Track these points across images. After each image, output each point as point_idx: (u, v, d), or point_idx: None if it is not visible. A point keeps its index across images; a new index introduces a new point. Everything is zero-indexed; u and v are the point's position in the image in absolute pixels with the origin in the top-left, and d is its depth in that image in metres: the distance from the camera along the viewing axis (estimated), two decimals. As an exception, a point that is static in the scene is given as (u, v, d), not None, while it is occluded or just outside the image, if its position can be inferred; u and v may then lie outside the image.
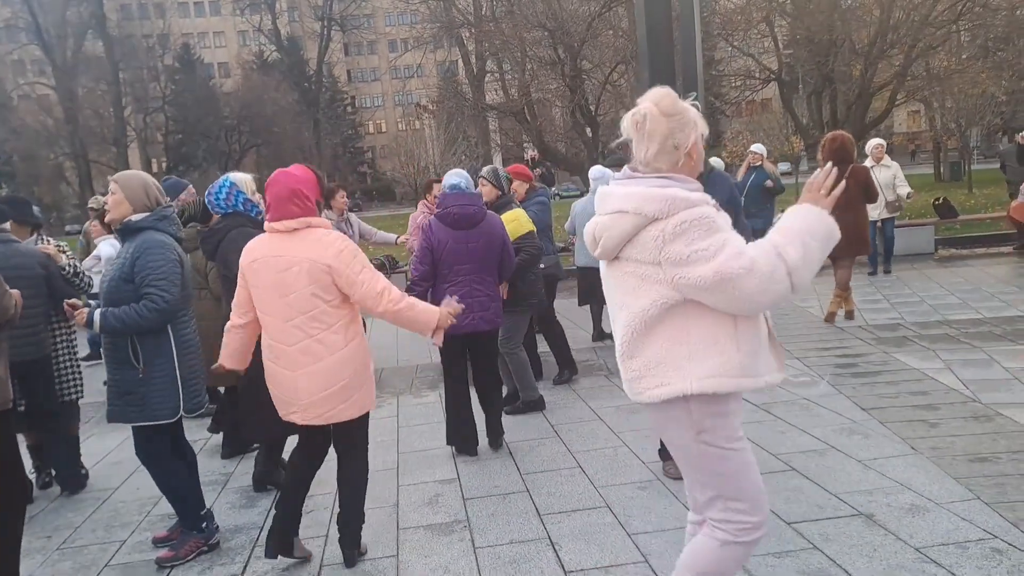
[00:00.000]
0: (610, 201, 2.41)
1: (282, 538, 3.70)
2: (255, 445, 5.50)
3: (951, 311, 8.04)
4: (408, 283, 5.15)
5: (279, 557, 3.72)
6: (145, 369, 3.76)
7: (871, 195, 7.78)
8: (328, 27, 49.34)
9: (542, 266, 6.49)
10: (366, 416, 3.66)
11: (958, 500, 3.81)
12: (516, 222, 5.52)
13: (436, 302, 4.79)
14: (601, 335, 7.97)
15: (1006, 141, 14.19)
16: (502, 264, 5.12)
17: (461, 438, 5.11)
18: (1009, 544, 3.34)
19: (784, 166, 29.02)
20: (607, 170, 7.66)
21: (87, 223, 7.03)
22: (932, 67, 22.85)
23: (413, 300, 3.53)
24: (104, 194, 4.45)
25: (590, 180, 7.46)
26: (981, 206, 17.48)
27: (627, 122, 2.40)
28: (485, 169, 6.27)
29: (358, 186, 52.65)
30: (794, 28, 21.28)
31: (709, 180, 4.26)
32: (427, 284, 4.93)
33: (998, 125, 28.21)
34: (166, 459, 3.99)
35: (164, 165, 47.18)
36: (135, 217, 3.81)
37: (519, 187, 6.83)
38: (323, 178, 3.65)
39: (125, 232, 3.84)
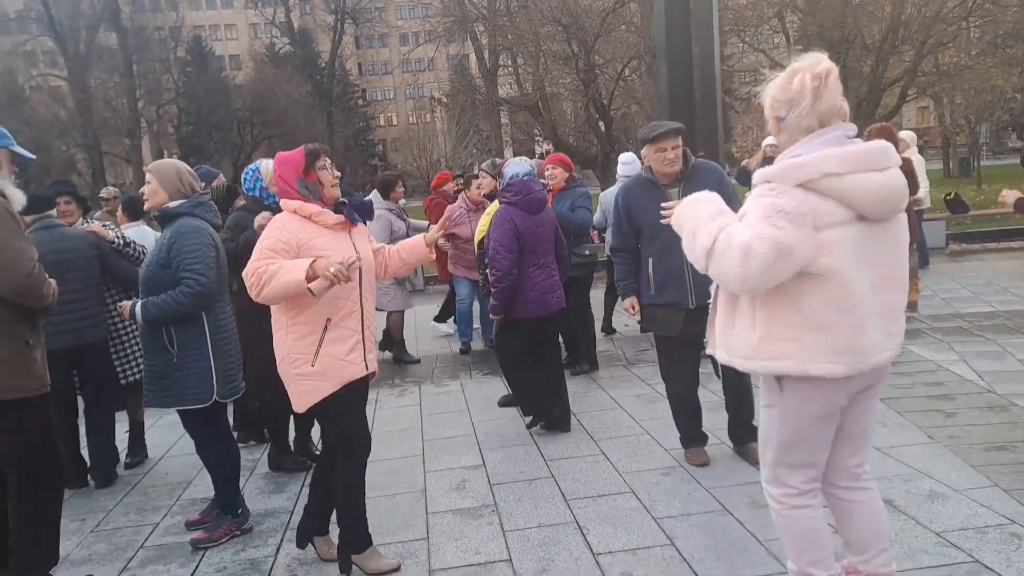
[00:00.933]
0: (891, 154, 2.52)
1: (303, 533, 3.77)
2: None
3: (963, 304, 8.10)
4: (489, 279, 5.17)
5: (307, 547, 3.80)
6: (179, 354, 3.84)
7: (913, 186, 7.86)
8: (341, 20, 49.37)
9: (587, 253, 6.57)
10: (335, 416, 3.46)
11: (976, 487, 3.89)
12: (490, 216, 5.57)
13: (522, 290, 5.02)
14: (610, 328, 8.02)
15: (1014, 138, 14.20)
16: (558, 246, 5.32)
17: (554, 415, 5.25)
18: (1027, 529, 3.43)
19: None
20: (636, 157, 7.73)
21: (96, 213, 7.13)
22: (942, 63, 22.81)
23: (272, 268, 3.17)
24: (116, 185, 4.58)
25: (620, 165, 7.45)
26: (991, 201, 17.45)
27: (809, 79, 2.43)
28: (485, 163, 6.40)
29: (369, 179, 52.78)
30: (805, 24, 21.28)
31: (693, 170, 4.35)
32: (515, 273, 5.01)
33: (1007, 121, 28.13)
34: (219, 439, 4.09)
35: (176, 157, 47.33)
36: (172, 204, 3.91)
37: (559, 175, 6.68)
38: (312, 153, 3.44)
39: (164, 219, 3.95)
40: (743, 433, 4.53)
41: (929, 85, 22.40)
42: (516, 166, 5.18)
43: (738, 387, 4.51)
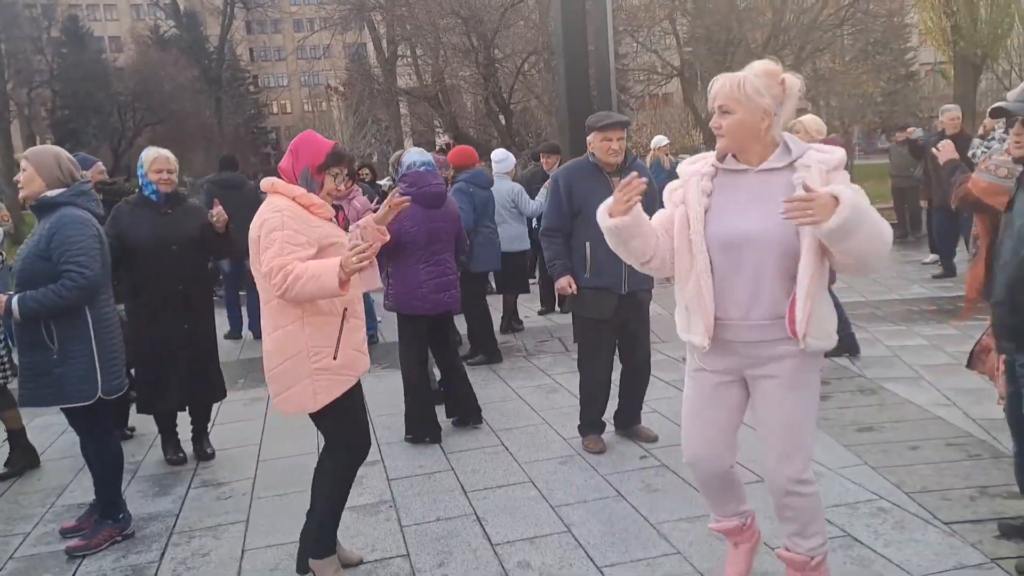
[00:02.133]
0: None
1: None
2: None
3: (839, 295, 8.56)
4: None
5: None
6: (60, 350, 3.66)
7: None
8: (231, 4, 47.59)
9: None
10: (336, 417, 3.26)
11: (848, 466, 4.17)
12: None
13: (410, 287, 4.92)
14: (511, 327, 8.00)
15: (884, 139, 15.21)
16: (459, 243, 5.27)
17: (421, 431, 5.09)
18: (893, 504, 3.70)
19: (685, 157, 29.97)
20: (510, 155, 7.85)
21: None
22: (819, 68, 24.14)
23: (304, 268, 2.97)
24: None
25: (493, 163, 7.57)
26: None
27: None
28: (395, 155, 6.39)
29: (261, 167, 51.24)
30: (694, 26, 22.08)
31: (632, 165, 4.50)
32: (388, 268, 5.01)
33: (877, 123, 30.05)
34: (100, 439, 3.92)
35: (50, 142, 44.61)
36: (51, 193, 3.72)
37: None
38: (337, 154, 3.26)
39: (41, 209, 3.74)
40: (632, 416, 4.78)
41: (807, 88, 23.61)
42: (413, 155, 5.13)
43: (645, 374, 4.77)
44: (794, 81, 2.69)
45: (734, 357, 2.78)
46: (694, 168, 2.84)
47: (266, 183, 3.23)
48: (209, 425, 5.21)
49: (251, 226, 3.17)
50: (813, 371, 2.77)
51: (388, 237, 3.57)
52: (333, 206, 3.43)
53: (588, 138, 4.53)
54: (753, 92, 2.62)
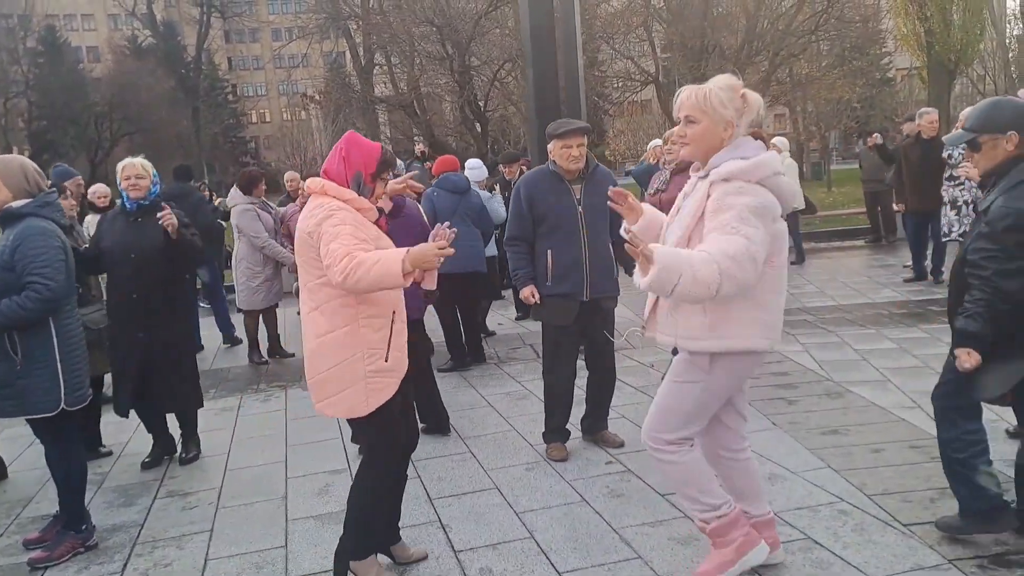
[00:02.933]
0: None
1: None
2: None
3: (809, 299, 8.69)
4: None
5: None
6: (23, 361, 3.66)
7: None
8: (207, 13, 47.36)
9: None
10: (379, 420, 3.17)
11: (811, 469, 4.19)
12: None
13: None
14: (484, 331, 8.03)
15: (861, 143, 15.34)
16: None
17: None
18: (854, 506, 3.72)
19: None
20: (481, 164, 7.91)
21: None
22: (795, 74, 24.40)
23: (366, 257, 2.87)
24: None
25: (467, 170, 7.61)
26: (840, 203, 18.76)
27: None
28: None
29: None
30: (669, 33, 22.26)
31: (593, 172, 4.53)
32: None
33: (854, 128, 30.40)
34: (65, 450, 3.90)
35: (27, 153, 44.17)
36: (15, 203, 3.71)
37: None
38: (387, 160, 3.26)
39: (5, 219, 3.72)
40: (597, 421, 4.78)
41: (782, 94, 23.88)
42: None
43: (609, 380, 4.77)
44: (755, 96, 2.90)
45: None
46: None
47: (314, 184, 3.17)
48: (178, 432, 5.20)
49: (302, 223, 3.11)
50: (702, 371, 2.95)
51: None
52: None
53: (548, 146, 4.54)
54: (718, 103, 2.82)
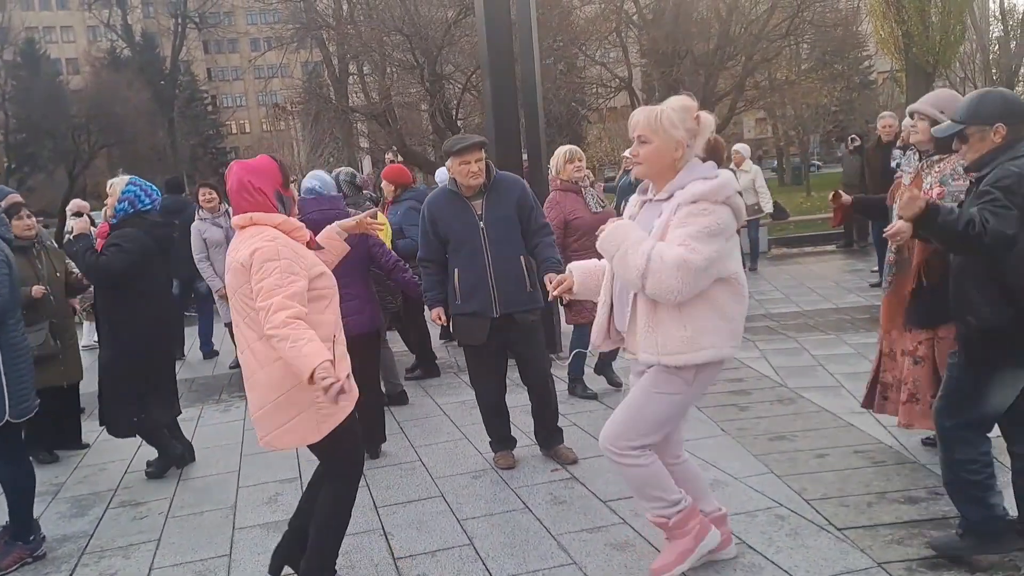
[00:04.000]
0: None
1: (288, 555, 3.44)
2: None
3: (774, 305, 8.74)
4: None
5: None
6: None
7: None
8: (183, 24, 47.23)
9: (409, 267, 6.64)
10: (335, 440, 3.12)
11: (754, 474, 4.23)
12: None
13: None
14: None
15: (842, 147, 15.44)
16: (379, 263, 4.96)
17: None
18: (791, 511, 3.76)
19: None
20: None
21: None
22: (774, 78, 24.57)
23: (300, 335, 2.83)
24: None
25: (437, 182, 7.66)
26: (817, 208, 18.90)
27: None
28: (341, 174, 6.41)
29: (220, 187, 50.66)
30: (641, 39, 22.40)
31: (496, 183, 4.48)
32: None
33: (833, 132, 30.65)
34: (11, 461, 3.91)
35: (9, 166, 43.89)
36: None
37: (386, 188, 7.03)
38: (284, 167, 3.29)
39: None
40: (549, 436, 4.72)
41: (757, 98, 24.05)
42: (303, 181, 5.11)
43: (543, 393, 4.67)
44: (708, 117, 3.01)
45: (633, 363, 3.20)
46: (635, 197, 3.23)
47: (242, 220, 3.11)
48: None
49: (234, 255, 3.06)
50: (685, 382, 3.03)
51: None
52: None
53: (447, 164, 4.51)
54: (669, 124, 2.92)
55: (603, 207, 5.89)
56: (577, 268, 3.36)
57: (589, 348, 3.34)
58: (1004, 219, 2.87)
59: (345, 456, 3.26)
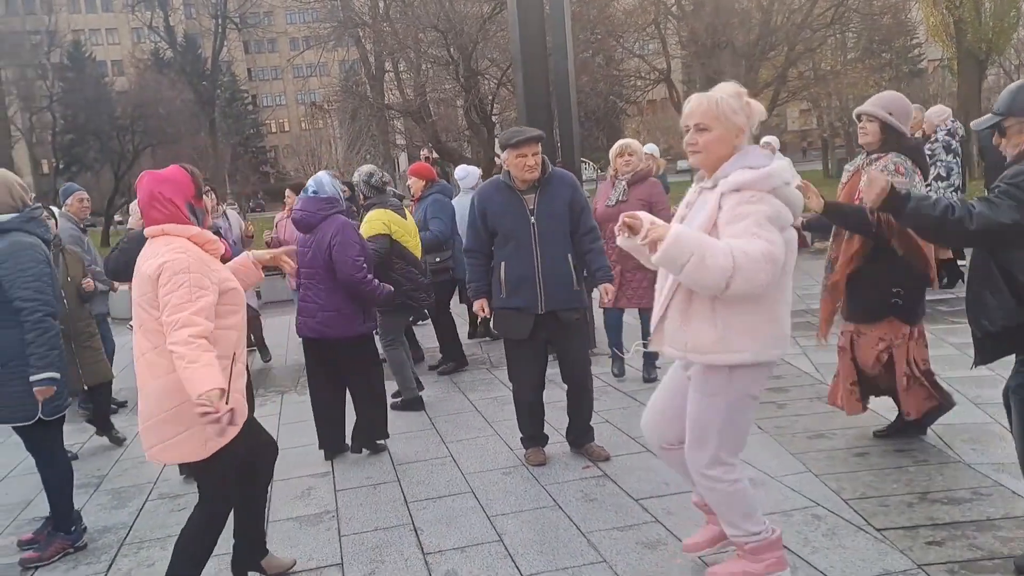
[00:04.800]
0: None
1: (244, 564, 3.49)
2: None
3: (815, 300, 8.44)
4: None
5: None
6: (2, 370, 3.72)
7: None
8: (223, 25, 47.94)
9: (438, 260, 6.69)
10: (214, 463, 3.07)
11: (791, 473, 4.14)
12: (367, 224, 5.57)
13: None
14: (488, 332, 8.02)
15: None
16: (334, 270, 4.73)
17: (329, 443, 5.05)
18: (828, 511, 3.67)
19: (683, 163, 30.01)
20: (471, 169, 7.92)
21: None
22: (818, 68, 24.09)
23: (199, 356, 2.81)
24: None
25: (457, 180, 7.65)
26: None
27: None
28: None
29: (260, 186, 51.45)
30: (680, 30, 22.15)
31: (549, 178, 4.41)
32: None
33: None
34: (48, 455, 3.98)
35: (58, 166, 45.07)
36: (1, 218, 3.77)
37: (413, 184, 7.04)
38: (196, 176, 3.27)
39: None
40: (581, 434, 4.66)
41: (800, 89, 23.62)
42: (311, 179, 5.07)
43: (581, 392, 4.62)
44: (758, 105, 2.94)
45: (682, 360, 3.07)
46: (694, 186, 3.11)
47: (154, 231, 3.10)
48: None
49: (143, 264, 3.06)
50: (722, 382, 2.90)
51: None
52: (214, 231, 3.45)
53: (503, 156, 4.44)
54: (729, 111, 2.84)
55: (620, 201, 5.82)
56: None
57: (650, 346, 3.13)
58: (998, 208, 2.82)
59: (220, 488, 3.18)
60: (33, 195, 4.17)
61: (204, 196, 3.32)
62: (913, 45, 36.12)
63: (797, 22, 20.16)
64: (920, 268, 4.08)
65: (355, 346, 4.89)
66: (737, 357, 2.83)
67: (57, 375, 3.74)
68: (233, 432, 2.97)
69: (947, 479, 3.89)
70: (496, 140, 20.93)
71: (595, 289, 4.78)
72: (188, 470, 3.20)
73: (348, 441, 5.09)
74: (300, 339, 5.02)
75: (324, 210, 4.79)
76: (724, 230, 2.76)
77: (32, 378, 3.69)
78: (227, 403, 2.87)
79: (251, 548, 3.50)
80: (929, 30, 23.15)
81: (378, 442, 5.07)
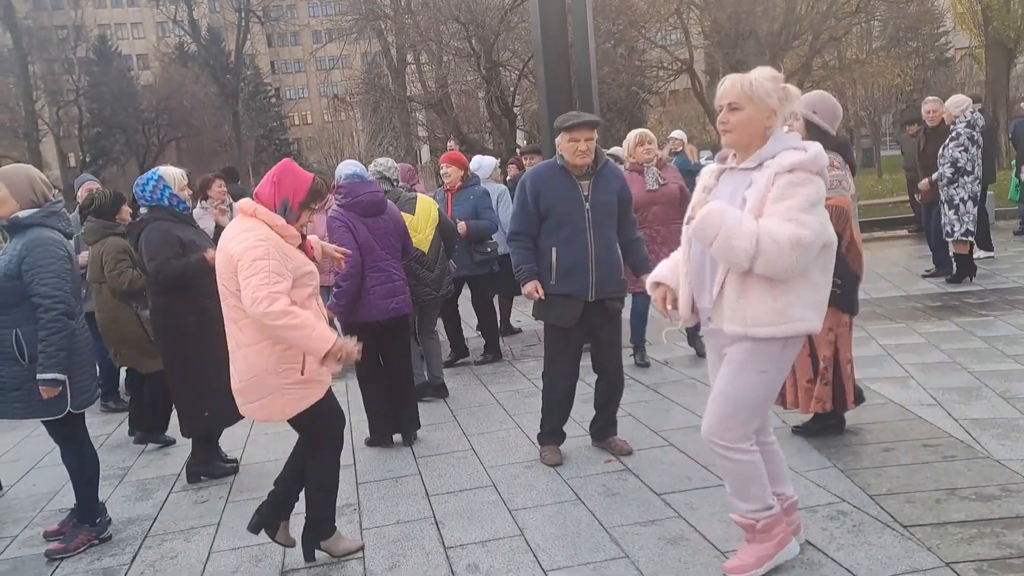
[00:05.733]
0: None
1: (266, 517, 3.63)
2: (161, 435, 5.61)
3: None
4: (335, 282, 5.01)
5: (260, 533, 3.66)
6: (30, 364, 3.74)
7: None
8: (246, 18, 48.21)
9: (488, 249, 6.72)
10: (311, 417, 3.39)
11: (817, 468, 4.08)
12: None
13: (363, 294, 4.86)
14: (509, 329, 7.96)
15: (898, 129, 14.90)
16: (405, 249, 5.15)
17: (381, 433, 5.08)
18: (854, 507, 3.62)
19: (706, 153, 29.78)
20: (485, 159, 7.84)
21: None
22: (843, 57, 23.79)
23: (304, 320, 3.14)
24: None
25: (473, 172, 7.57)
26: (888, 191, 18.29)
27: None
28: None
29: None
30: (703, 20, 21.96)
31: (603, 168, 4.40)
32: (358, 276, 4.82)
33: (907, 113, 29.57)
34: (75, 448, 4.02)
35: (84, 159, 45.67)
36: (23, 213, 3.79)
37: (453, 174, 6.77)
38: (318, 189, 3.45)
39: (13, 229, 3.81)
40: (605, 428, 4.62)
41: (825, 78, 23.34)
42: (344, 167, 5.11)
43: (615, 382, 4.57)
44: (795, 90, 2.98)
45: (714, 339, 3.13)
46: (709, 167, 3.17)
47: (247, 206, 3.33)
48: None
49: (225, 243, 3.28)
50: (774, 356, 2.96)
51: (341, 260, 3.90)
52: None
53: (556, 139, 4.39)
54: (763, 92, 2.90)
55: (660, 185, 5.96)
56: (664, 276, 3.24)
57: (680, 325, 3.24)
58: None
59: (320, 428, 3.48)
60: (56, 190, 4.19)
61: (308, 211, 3.43)
62: (940, 33, 35.54)
63: (822, 10, 19.95)
64: (855, 264, 4.27)
65: (407, 325, 5.13)
66: (793, 327, 2.89)
67: (62, 377, 3.73)
68: (314, 396, 3.35)
69: (975, 475, 3.83)
70: (518, 131, 21.03)
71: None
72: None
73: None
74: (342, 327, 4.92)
75: (378, 190, 4.96)
76: (770, 205, 2.82)
77: (38, 376, 3.70)
78: (302, 373, 3.27)
79: (279, 502, 3.64)
80: (956, 18, 22.80)
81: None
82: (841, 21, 20.41)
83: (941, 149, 8.21)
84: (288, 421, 3.42)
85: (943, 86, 31.84)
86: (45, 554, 3.97)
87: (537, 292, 4.40)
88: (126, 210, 5.65)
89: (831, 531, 3.42)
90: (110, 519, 4.21)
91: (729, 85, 2.94)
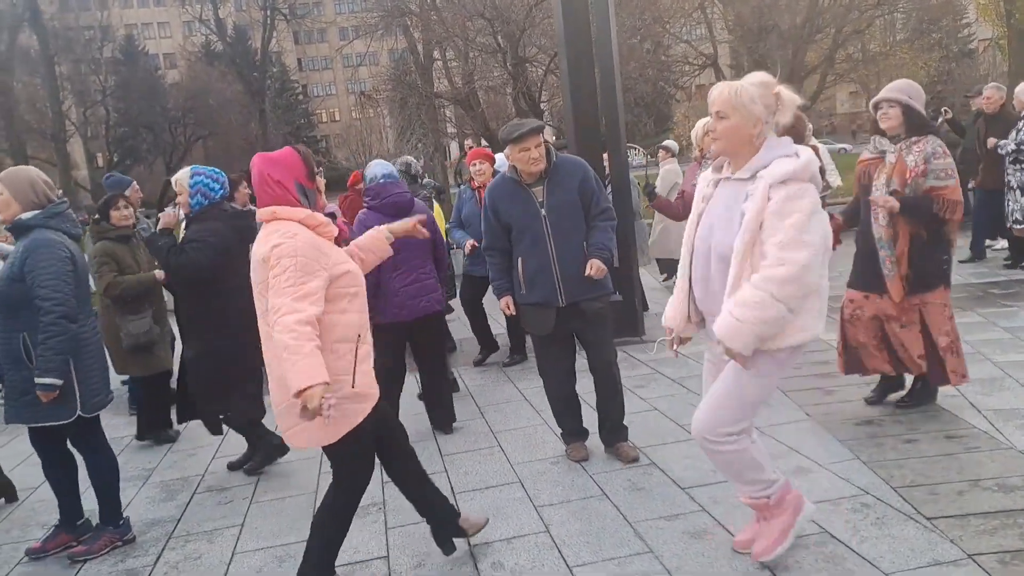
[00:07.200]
0: None
1: (444, 533, 3.53)
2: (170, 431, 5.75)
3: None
4: None
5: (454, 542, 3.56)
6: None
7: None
8: (271, 16, 48.52)
9: None
10: (347, 442, 3.08)
11: (839, 461, 4.10)
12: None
13: (384, 295, 4.91)
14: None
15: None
16: (436, 247, 5.19)
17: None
18: (877, 499, 3.64)
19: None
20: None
21: None
22: (867, 49, 23.51)
23: (300, 346, 2.79)
24: None
25: (497, 169, 7.56)
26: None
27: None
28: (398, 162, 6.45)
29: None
30: (726, 15, 21.80)
31: (556, 168, 4.32)
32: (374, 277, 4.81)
33: (932, 104, 29.18)
34: (94, 451, 4.04)
35: (112, 159, 46.29)
36: (25, 215, 3.76)
37: (486, 170, 6.62)
38: (308, 157, 3.21)
39: (17, 231, 3.81)
40: (612, 432, 4.55)
41: (848, 71, 23.11)
42: (374, 168, 5.11)
43: (607, 383, 4.52)
44: (789, 94, 2.95)
45: (716, 346, 3.10)
46: (706, 175, 3.17)
47: (266, 213, 3.09)
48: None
49: (257, 249, 3.07)
50: (779, 363, 3.01)
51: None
52: (328, 214, 3.48)
53: (506, 152, 4.37)
54: (748, 99, 2.90)
55: None
56: (671, 318, 3.29)
57: (673, 335, 3.31)
58: None
59: (356, 464, 3.21)
60: (60, 191, 4.19)
61: (317, 177, 3.24)
62: (962, 25, 34.98)
63: (844, 3, 19.74)
64: (954, 241, 4.53)
65: (443, 321, 5.28)
66: (799, 337, 2.93)
67: (58, 382, 3.66)
68: (362, 412, 3.06)
69: (999, 466, 3.83)
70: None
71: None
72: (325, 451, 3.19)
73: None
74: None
75: (407, 190, 4.99)
76: (771, 220, 2.82)
77: (35, 380, 3.64)
78: (353, 385, 3.00)
79: (439, 517, 3.52)
80: (978, 9, 22.42)
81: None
82: (864, 14, 20.16)
83: (1014, 133, 8.08)
84: (330, 447, 3.11)
85: (967, 78, 31.32)
86: (68, 556, 3.97)
87: (508, 308, 4.50)
88: (120, 214, 5.52)
89: (855, 523, 3.44)
90: (127, 518, 4.20)
91: (716, 93, 2.96)
